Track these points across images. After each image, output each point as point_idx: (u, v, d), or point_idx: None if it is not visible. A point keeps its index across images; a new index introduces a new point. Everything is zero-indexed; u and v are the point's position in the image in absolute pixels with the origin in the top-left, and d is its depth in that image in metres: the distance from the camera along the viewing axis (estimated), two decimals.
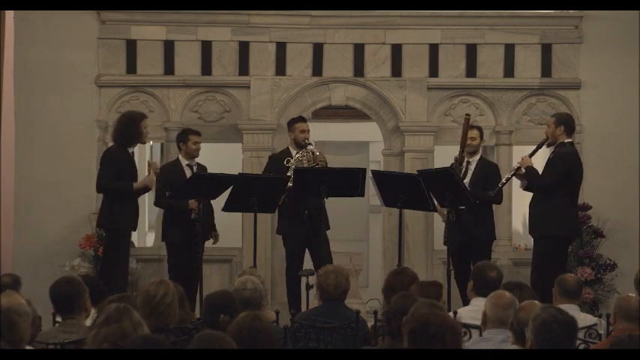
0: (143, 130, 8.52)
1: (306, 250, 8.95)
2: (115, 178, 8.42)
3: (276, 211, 9.03)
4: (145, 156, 11.42)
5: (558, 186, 8.27)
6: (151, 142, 9.17)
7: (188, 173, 8.85)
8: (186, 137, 8.99)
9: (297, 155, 8.91)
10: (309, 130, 9.03)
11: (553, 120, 8.49)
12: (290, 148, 9.05)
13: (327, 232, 8.94)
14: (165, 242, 8.97)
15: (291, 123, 9.12)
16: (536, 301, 4.97)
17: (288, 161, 8.88)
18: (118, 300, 5.00)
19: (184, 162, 8.94)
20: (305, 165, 8.83)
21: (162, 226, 9.06)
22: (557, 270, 7.46)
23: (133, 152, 8.65)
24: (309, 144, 8.94)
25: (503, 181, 8.60)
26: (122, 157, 8.47)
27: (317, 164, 8.84)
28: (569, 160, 8.35)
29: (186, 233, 8.63)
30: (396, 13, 9.92)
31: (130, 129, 8.49)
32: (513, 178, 8.60)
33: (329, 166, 8.95)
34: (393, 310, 5.07)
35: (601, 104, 9.96)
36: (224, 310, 5.31)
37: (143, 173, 9.41)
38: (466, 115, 8.84)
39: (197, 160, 9.06)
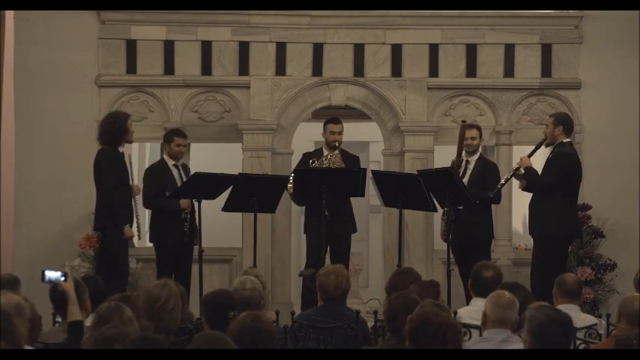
0: (129, 127, 8.55)
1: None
2: (116, 178, 8.43)
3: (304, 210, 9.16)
4: (145, 157, 11.44)
5: (558, 186, 8.28)
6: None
7: (175, 173, 8.88)
8: (170, 138, 8.99)
9: (323, 157, 8.95)
10: (340, 132, 9.03)
11: (551, 120, 8.50)
12: (323, 148, 9.10)
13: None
14: (154, 243, 8.96)
15: (324, 123, 9.15)
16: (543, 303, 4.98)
17: (314, 162, 8.93)
18: (119, 300, 5.01)
19: (170, 162, 8.95)
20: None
21: (150, 227, 9.04)
22: (557, 270, 7.45)
23: (123, 153, 8.64)
24: (338, 146, 8.96)
25: (502, 182, 8.61)
26: (115, 157, 8.49)
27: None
28: (569, 161, 8.35)
29: (176, 234, 8.67)
30: (396, 13, 9.92)
31: (116, 127, 8.50)
32: (512, 178, 8.60)
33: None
34: (393, 308, 5.08)
35: (601, 104, 9.96)
36: (230, 307, 5.29)
37: (139, 174, 9.45)
38: (462, 121, 8.86)
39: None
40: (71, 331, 4.94)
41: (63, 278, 5.07)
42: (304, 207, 9.13)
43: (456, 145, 8.89)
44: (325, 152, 9.05)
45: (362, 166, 8.99)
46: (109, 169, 8.46)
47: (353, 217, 9.08)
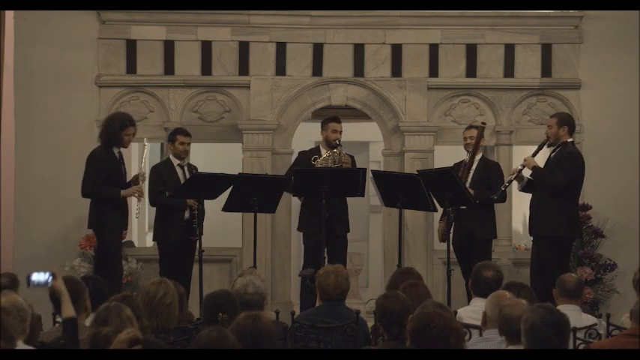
0: (124, 137, 8.47)
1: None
2: (102, 180, 8.42)
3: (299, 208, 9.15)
4: (146, 158, 11.42)
5: (572, 184, 8.28)
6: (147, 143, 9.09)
7: (180, 173, 8.89)
8: (174, 137, 9.02)
9: (325, 155, 8.94)
10: (341, 131, 9.04)
11: (555, 121, 8.47)
12: (321, 146, 9.09)
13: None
14: (157, 242, 8.96)
15: (325, 122, 9.14)
16: (523, 301, 4.97)
17: (315, 159, 8.93)
18: (119, 300, 5.01)
19: (175, 162, 8.96)
20: (330, 165, 8.86)
21: (154, 226, 9.05)
22: (560, 270, 7.45)
23: (120, 152, 8.61)
24: (339, 145, 8.97)
25: (506, 184, 8.60)
26: (107, 158, 8.47)
27: (341, 165, 8.86)
28: (579, 159, 8.38)
29: (180, 233, 8.67)
30: (396, 13, 9.92)
31: (111, 130, 8.48)
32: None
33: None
34: (384, 310, 5.09)
35: (601, 104, 9.96)
36: (223, 310, 5.30)
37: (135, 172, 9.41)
38: (482, 123, 8.85)
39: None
40: (66, 328, 4.93)
41: (51, 278, 4.88)
42: (301, 205, 9.10)
43: (458, 142, 8.88)
44: (323, 151, 9.04)
45: (362, 166, 9.00)
46: (93, 169, 8.44)
47: (348, 217, 9.09)
